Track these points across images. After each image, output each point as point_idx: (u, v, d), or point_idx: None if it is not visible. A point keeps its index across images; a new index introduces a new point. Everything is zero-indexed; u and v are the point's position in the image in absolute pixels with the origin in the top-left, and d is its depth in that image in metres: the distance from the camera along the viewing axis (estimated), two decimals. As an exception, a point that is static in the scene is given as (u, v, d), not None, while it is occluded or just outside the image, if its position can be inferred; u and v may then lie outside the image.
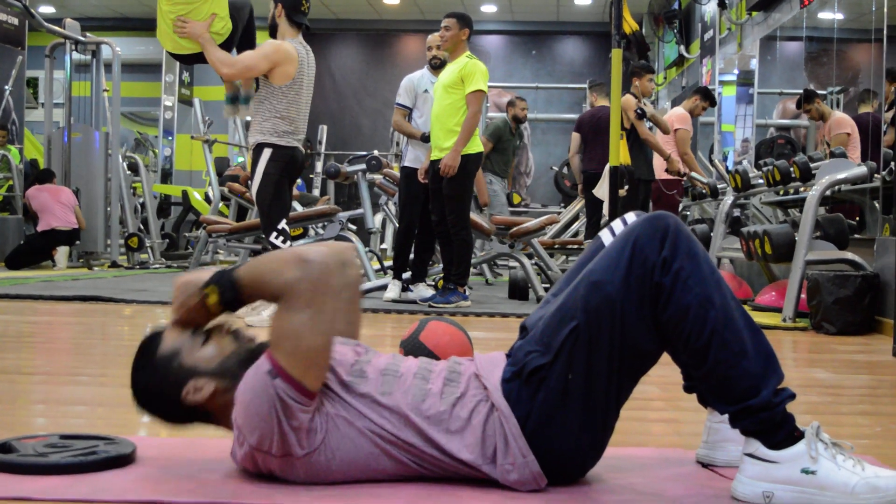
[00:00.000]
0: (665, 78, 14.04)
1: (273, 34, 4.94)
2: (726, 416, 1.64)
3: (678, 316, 1.59)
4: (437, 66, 6.29)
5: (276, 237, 4.70)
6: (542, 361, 1.62)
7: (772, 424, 1.59)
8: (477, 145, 5.81)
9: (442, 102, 5.77)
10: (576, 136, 7.84)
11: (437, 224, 5.93)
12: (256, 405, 1.57)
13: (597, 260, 1.67)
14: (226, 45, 4.75)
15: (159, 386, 1.67)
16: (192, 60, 4.99)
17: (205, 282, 1.65)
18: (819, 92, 7.89)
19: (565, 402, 1.61)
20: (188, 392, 1.65)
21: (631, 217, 1.85)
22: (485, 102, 6.73)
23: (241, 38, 4.89)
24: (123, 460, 1.74)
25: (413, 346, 2.65)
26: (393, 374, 1.69)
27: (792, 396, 1.61)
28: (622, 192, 5.08)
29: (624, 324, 1.60)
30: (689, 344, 1.60)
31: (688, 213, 8.83)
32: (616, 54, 4.85)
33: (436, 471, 1.66)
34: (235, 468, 1.73)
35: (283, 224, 4.74)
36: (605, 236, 1.85)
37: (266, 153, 4.77)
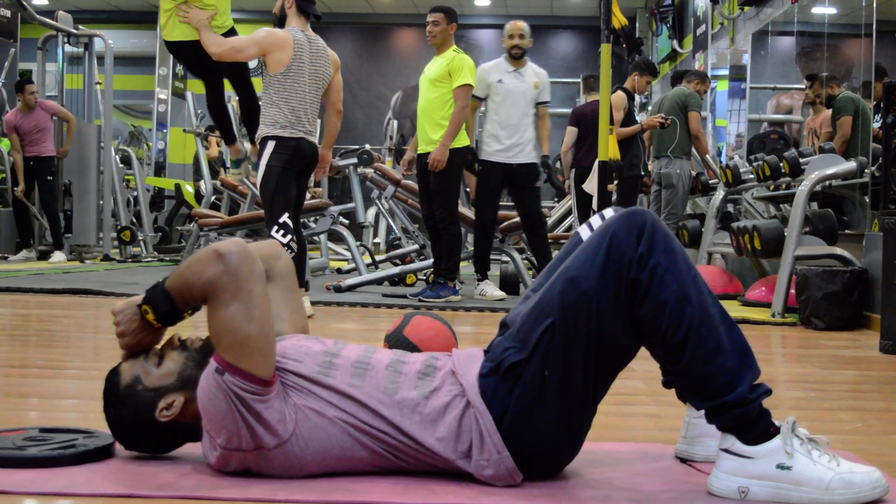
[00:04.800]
0: (658, 73, 14.05)
1: (281, 26, 4.91)
2: (703, 411, 1.65)
3: (655, 311, 1.59)
4: (517, 57, 6.10)
5: (277, 231, 4.61)
6: (519, 357, 1.63)
7: (747, 420, 1.60)
8: (464, 139, 5.80)
9: (428, 96, 5.77)
10: (572, 131, 7.51)
11: (427, 218, 5.94)
12: (215, 405, 1.59)
13: (574, 256, 1.67)
14: None
15: (133, 416, 1.71)
16: (180, 53, 5.02)
17: (139, 302, 1.70)
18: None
19: (542, 398, 1.62)
20: (161, 411, 1.68)
21: (609, 212, 1.85)
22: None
23: None
24: (102, 454, 1.75)
25: (397, 341, 2.66)
26: (363, 366, 1.70)
27: (768, 392, 1.62)
28: (611, 188, 5.07)
29: (600, 320, 1.60)
30: (666, 339, 1.60)
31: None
32: (605, 49, 4.85)
33: (411, 461, 1.66)
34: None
35: (284, 218, 4.64)
36: (584, 231, 1.85)
37: (269, 146, 4.69)
